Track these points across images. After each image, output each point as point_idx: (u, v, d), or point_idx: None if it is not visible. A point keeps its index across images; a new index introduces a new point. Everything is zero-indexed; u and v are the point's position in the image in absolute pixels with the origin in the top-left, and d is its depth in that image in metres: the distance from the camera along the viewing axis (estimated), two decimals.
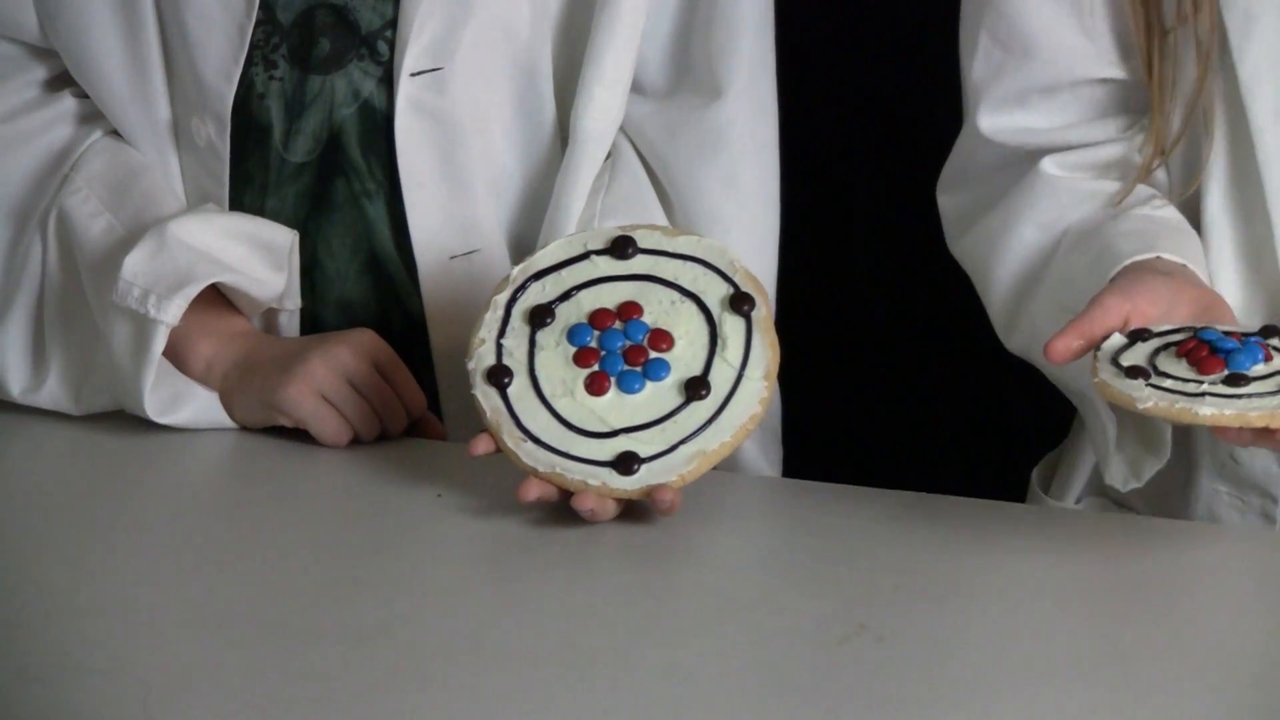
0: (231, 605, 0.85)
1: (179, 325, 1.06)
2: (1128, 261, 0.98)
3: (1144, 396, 0.85)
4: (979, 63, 1.10)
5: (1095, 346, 0.91)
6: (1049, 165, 1.08)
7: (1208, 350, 0.88)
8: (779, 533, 1.07)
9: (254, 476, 1.13)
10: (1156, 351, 0.90)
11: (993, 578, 0.91)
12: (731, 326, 0.96)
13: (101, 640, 0.81)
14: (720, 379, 0.94)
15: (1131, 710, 0.75)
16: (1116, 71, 1.07)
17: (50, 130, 1.17)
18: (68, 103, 1.19)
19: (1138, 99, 1.06)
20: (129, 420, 1.12)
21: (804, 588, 0.90)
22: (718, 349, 0.96)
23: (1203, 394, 0.85)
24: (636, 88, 1.17)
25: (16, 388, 1.13)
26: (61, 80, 1.20)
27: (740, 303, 0.96)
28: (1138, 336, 0.92)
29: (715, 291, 0.97)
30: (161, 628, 0.82)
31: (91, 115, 1.19)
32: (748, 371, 0.95)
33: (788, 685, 0.78)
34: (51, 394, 1.13)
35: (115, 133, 1.17)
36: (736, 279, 0.98)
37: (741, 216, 1.16)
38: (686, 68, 1.17)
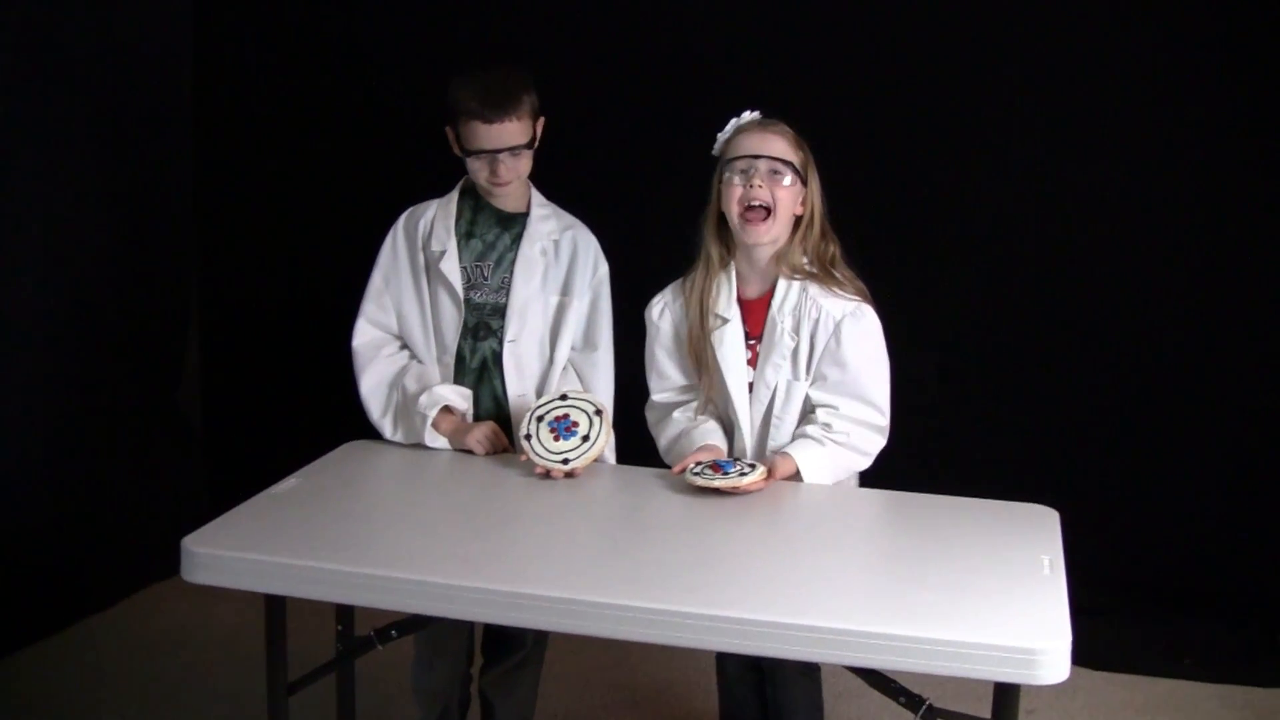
0: (440, 511, 2.63)
1: (435, 418, 2.80)
2: (705, 441, 2.74)
3: (697, 480, 2.54)
4: (652, 378, 2.87)
5: (688, 467, 2.60)
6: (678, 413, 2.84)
7: (718, 466, 2.58)
8: (620, 477, 2.77)
9: (460, 460, 2.79)
10: (706, 467, 2.57)
11: (740, 512, 2.59)
12: (595, 421, 2.70)
13: (398, 536, 2.60)
14: (592, 435, 2.68)
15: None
16: (691, 379, 2.83)
17: (399, 355, 2.89)
18: (404, 349, 2.91)
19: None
20: (420, 448, 2.83)
21: (636, 503, 2.64)
22: (591, 427, 2.69)
23: (714, 481, 2.53)
24: (572, 347, 2.90)
25: (388, 434, 2.85)
26: (401, 341, 2.90)
27: (599, 413, 2.71)
28: (701, 464, 2.60)
29: (591, 409, 2.71)
30: (430, 532, 2.57)
31: (410, 352, 2.90)
32: (600, 434, 2.68)
33: (634, 541, 2.56)
34: (396, 435, 2.85)
35: (415, 358, 2.88)
36: (598, 405, 2.72)
37: (602, 385, 2.89)
38: (587, 340, 2.90)
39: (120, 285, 4.19)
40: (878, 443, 2.76)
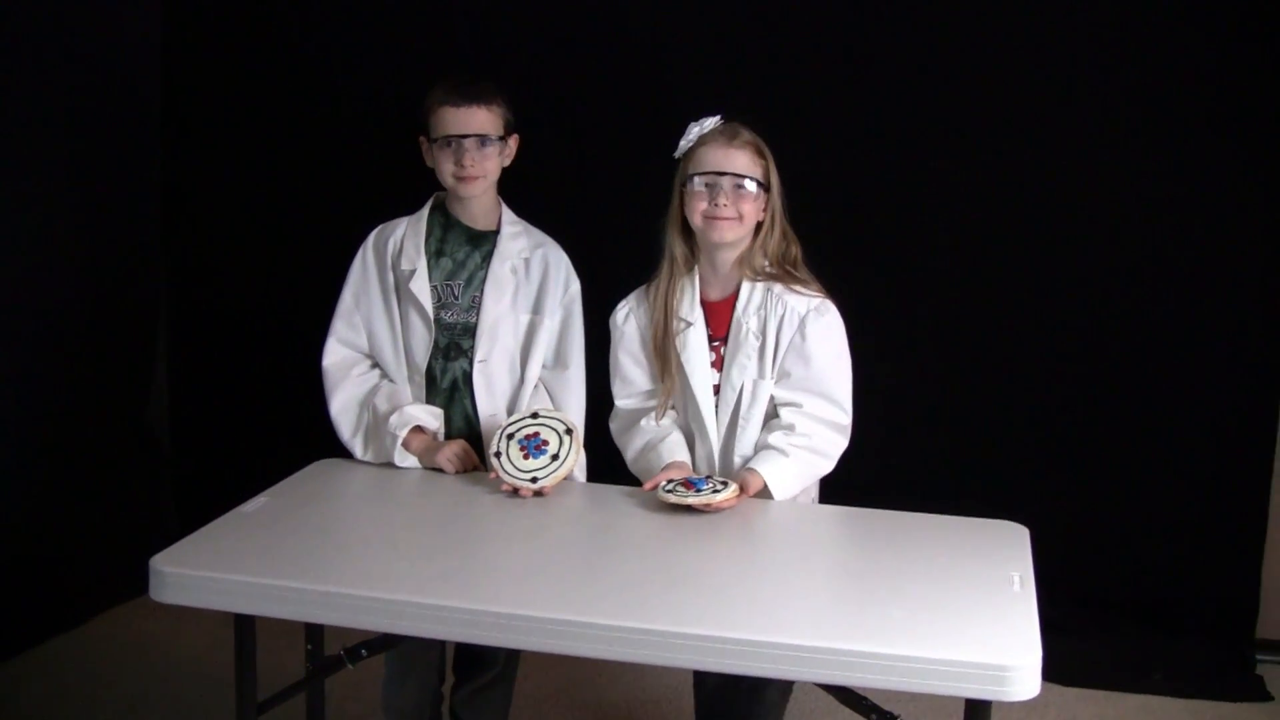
0: (410, 530, 2.61)
1: (405, 437, 2.80)
2: (673, 458, 2.76)
3: (669, 497, 2.54)
4: (616, 383, 2.87)
5: (660, 484, 2.60)
6: (644, 421, 2.85)
7: (689, 483, 2.59)
8: (590, 495, 2.77)
9: (429, 479, 2.80)
10: (678, 484, 2.59)
11: (699, 528, 2.62)
12: (565, 439, 2.70)
13: (375, 556, 2.59)
14: (562, 454, 2.68)
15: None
16: (655, 385, 2.83)
17: (369, 375, 2.89)
18: (375, 368, 2.92)
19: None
20: (390, 467, 2.84)
21: (606, 521, 2.62)
22: (561, 445, 2.69)
23: (686, 498, 2.54)
24: (543, 365, 2.90)
25: (359, 454, 2.85)
26: (372, 360, 2.92)
27: (569, 431, 2.71)
28: (673, 481, 2.60)
29: (561, 428, 2.71)
30: (400, 551, 2.50)
31: (381, 371, 2.90)
32: (570, 453, 2.68)
33: (600, 553, 2.54)
34: (366, 455, 2.86)
35: (386, 376, 2.89)
36: (569, 424, 2.72)
37: (573, 403, 2.90)
38: (558, 358, 2.91)
39: (87, 303, 4.15)
40: (840, 444, 2.78)
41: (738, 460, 2.79)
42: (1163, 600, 3.96)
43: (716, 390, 2.80)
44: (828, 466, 2.80)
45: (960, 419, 3.99)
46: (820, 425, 2.74)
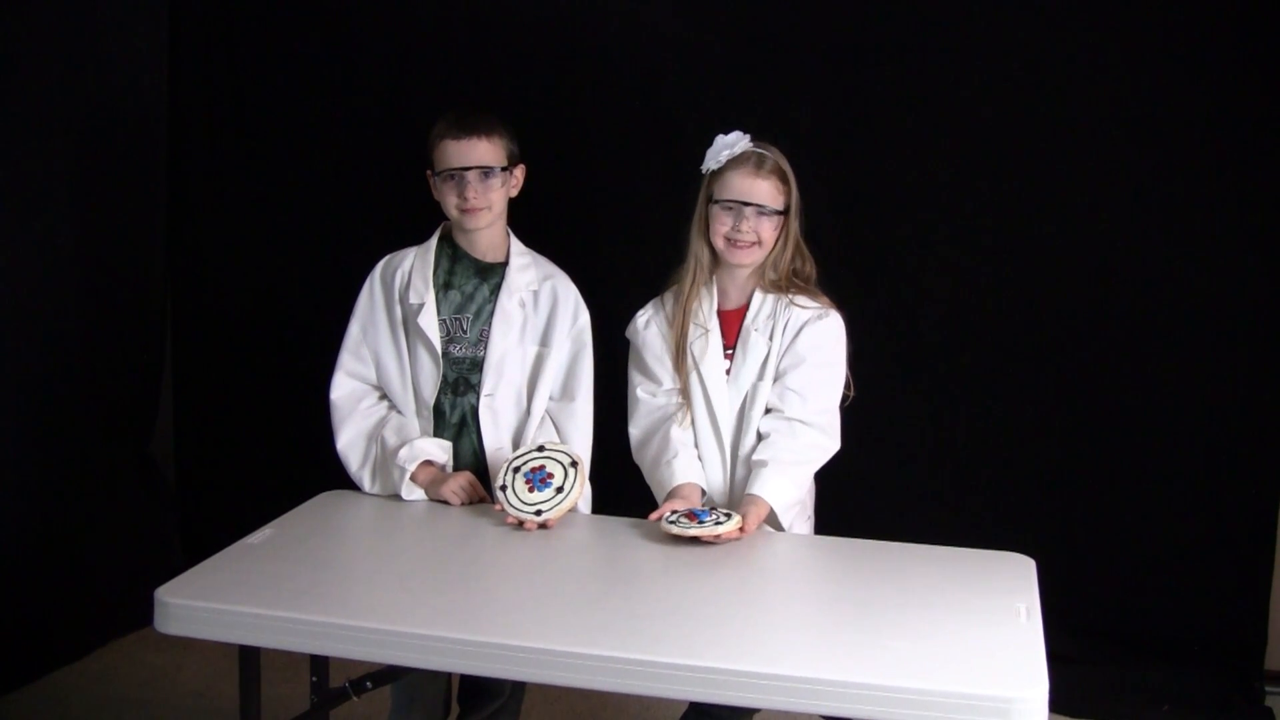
0: (415, 562, 2.59)
1: (413, 470, 2.80)
2: (685, 480, 2.77)
3: (672, 529, 2.54)
4: (641, 383, 2.89)
5: (664, 515, 2.60)
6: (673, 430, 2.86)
7: (693, 515, 2.59)
8: (594, 527, 2.76)
9: (435, 511, 2.79)
10: (681, 515, 2.58)
11: (703, 557, 2.59)
12: (570, 472, 2.69)
13: (374, 583, 2.60)
14: (567, 486, 2.68)
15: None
16: (676, 383, 2.85)
17: (377, 407, 2.90)
18: (383, 400, 2.92)
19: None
20: (396, 499, 2.84)
21: (610, 553, 2.64)
22: (566, 478, 2.68)
23: (690, 529, 2.54)
24: (550, 397, 2.90)
25: (366, 487, 2.85)
26: (380, 392, 2.92)
27: (574, 464, 2.70)
28: (676, 513, 2.60)
29: (566, 461, 2.71)
30: (405, 583, 2.51)
31: (389, 403, 2.91)
32: (574, 486, 2.67)
33: (599, 581, 2.54)
34: (374, 488, 2.86)
35: (394, 408, 2.90)
36: (574, 457, 2.72)
37: (579, 436, 2.90)
38: (565, 391, 2.91)
39: (91, 333, 4.14)
40: (821, 443, 2.83)
41: (743, 460, 2.84)
42: (1171, 632, 3.94)
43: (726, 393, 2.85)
44: (814, 467, 2.85)
45: (964, 451, 3.98)
46: (801, 428, 2.79)
